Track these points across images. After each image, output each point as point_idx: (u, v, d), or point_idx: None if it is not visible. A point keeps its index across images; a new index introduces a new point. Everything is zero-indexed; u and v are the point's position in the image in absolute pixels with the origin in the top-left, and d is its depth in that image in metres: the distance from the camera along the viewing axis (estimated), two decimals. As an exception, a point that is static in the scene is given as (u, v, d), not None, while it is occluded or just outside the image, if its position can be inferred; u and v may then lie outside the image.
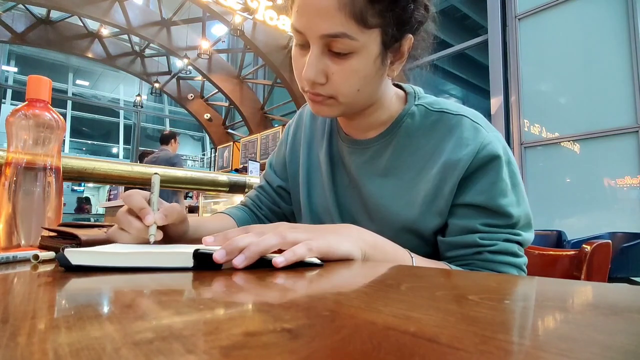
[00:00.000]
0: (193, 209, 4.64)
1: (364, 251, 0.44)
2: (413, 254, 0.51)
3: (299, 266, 0.38)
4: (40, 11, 7.04)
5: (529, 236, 0.56)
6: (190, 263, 0.36)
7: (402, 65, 0.57)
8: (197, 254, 0.36)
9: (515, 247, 0.55)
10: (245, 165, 5.36)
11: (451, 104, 0.60)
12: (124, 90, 13.81)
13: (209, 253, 0.36)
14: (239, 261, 0.36)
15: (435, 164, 0.56)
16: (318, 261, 0.39)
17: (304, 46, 0.53)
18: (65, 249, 0.35)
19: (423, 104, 0.61)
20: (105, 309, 0.24)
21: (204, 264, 0.36)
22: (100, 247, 0.41)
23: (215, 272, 0.37)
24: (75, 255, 0.35)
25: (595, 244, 0.71)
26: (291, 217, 0.76)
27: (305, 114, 0.76)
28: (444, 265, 0.53)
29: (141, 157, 4.34)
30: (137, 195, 0.48)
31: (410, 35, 0.53)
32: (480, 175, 0.54)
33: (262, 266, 0.37)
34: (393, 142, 0.61)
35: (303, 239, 0.39)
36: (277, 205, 0.77)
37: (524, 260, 0.56)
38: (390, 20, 0.49)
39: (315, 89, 0.53)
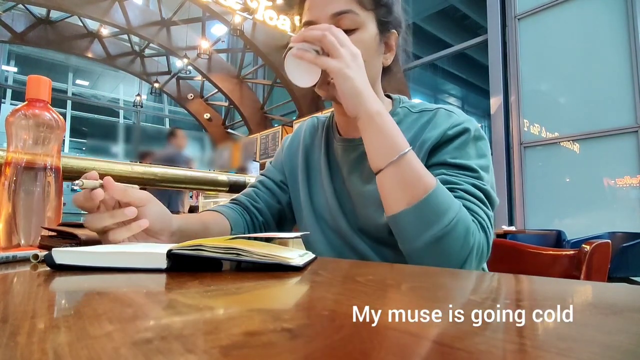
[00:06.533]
0: (193, 209, 4.63)
1: (362, 115, 0.54)
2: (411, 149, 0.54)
3: (276, 269, 0.36)
4: (40, 11, 7.04)
5: (495, 196, 0.60)
6: (164, 264, 0.35)
7: (392, 59, 0.69)
8: (170, 255, 0.36)
9: (482, 195, 0.58)
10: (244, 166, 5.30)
11: (430, 104, 0.69)
12: (123, 90, 13.78)
13: (182, 254, 0.35)
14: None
15: (415, 148, 0.62)
16: (300, 264, 0.38)
17: None
18: (53, 249, 0.37)
19: (406, 106, 0.71)
20: (105, 309, 0.24)
21: (178, 265, 0.36)
22: (87, 247, 0.42)
23: (214, 272, 0.37)
24: (60, 255, 0.36)
25: (594, 244, 0.71)
26: (289, 213, 0.79)
27: (303, 128, 0.82)
28: (432, 177, 0.54)
29: (142, 158, 4.21)
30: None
31: (395, 32, 0.67)
32: (447, 144, 0.62)
33: (269, 269, 0.37)
34: None
35: (338, 64, 0.52)
36: (277, 197, 0.79)
37: (491, 213, 0.58)
38: (380, 6, 0.64)
39: None
